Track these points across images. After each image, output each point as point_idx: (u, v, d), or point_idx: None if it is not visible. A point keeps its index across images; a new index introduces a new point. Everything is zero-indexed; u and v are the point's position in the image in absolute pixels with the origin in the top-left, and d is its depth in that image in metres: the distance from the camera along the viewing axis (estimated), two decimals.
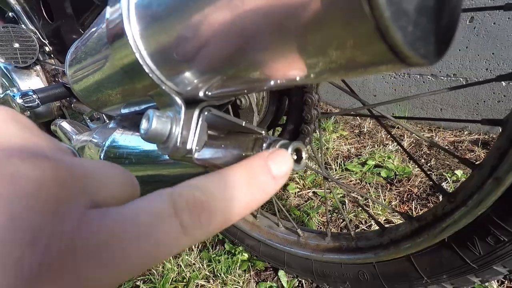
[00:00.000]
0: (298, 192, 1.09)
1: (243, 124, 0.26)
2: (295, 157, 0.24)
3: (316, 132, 0.47)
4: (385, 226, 0.56)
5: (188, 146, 0.22)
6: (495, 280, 0.66)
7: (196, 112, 0.23)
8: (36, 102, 0.79)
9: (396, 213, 0.93)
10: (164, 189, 0.15)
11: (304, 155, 0.24)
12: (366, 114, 0.51)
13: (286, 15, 0.12)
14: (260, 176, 0.17)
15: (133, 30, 0.20)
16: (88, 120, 0.76)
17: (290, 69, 0.15)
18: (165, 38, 0.19)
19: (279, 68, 0.16)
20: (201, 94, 0.23)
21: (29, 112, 0.80)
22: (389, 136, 1.46)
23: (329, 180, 0.63)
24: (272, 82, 0.18)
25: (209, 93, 0.23)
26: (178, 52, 0.19)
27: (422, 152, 1.29)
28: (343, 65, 0.13)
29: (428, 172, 1.14)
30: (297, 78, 0.16)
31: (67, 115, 1.12)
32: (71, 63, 0.37)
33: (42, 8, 0.94)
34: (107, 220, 0.12)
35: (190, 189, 0.15)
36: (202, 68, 0.20)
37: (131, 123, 0.46)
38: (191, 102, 0.23)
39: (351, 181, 1.15)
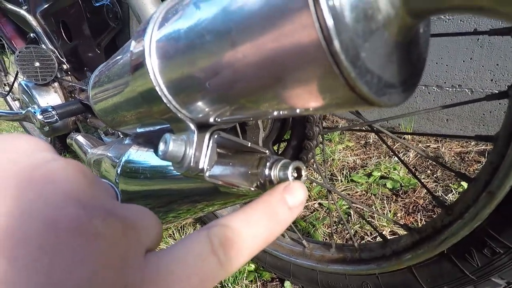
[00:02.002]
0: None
1: (249, 145, 0.29)
2: (295, 174, 0.27)
3: (319, 147, 0.50)
4: (388, 238, 0.58)
5: (200, 166, 0.25)
6: None
7: (207, 136, 0.26)
8: (55, 118, 0.84)
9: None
10: (201, 230, 0.17)
11: (303, 173, 0.27)
12: (367, 130, 0.53)
13: (278, 68, 0.15)
14: (279, 210, 0.20)
15: (153, 64, 0.24)
16: (103, 135, 0.81)
17: (286, 105, 0.18)
18: (180, 73, 0.22)
19: (278, 104, 0.19)
20: (211, 120, 0.26)
21: (48, 127, 0.85)
22: (394, 147, 1.47)
23: (333, 192, 0.65)
24: (275, 114, 0.21)
25: (219, 119, 0.26)
26: (192, 86, 0.22)
27: (428, 163, 1.30)
28: (327, 105, 0.16)
29: (434, 183, 1.14)
30: (293, 112, 0.19)
31: (81, 129, 1.18)
32: (94, 85, 0.41)
33: (62, 30, 1.00)
34: (163, 264, 0.15)
35: (221, 229, 0.17)
36: (213, 99, 0.23)
37: (145, 140, 0.49)
38: (202, 126, 0.26)
39: (356, 192, 1.16)
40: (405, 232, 0.54)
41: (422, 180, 1.16)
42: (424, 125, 1.61)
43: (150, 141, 0.48)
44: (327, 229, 0.96)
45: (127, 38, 0.78)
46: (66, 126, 1.11)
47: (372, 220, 0.96)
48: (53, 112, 0.85)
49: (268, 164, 0.28)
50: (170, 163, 0.36)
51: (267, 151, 0.30)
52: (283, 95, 0.17)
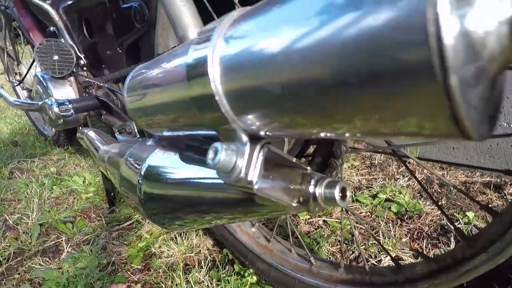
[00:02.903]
0: (308, 219, 1.10)
1: (293, 160, 0.29)
2: (341, 194, 0.27)
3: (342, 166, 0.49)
4: (400, 263, 0.57)
5: (249, 178, 0.25)
6: None
7: (258, 148, 0.26)
8: (71, 112, 0.84)
9: (407, 251, 0.93)
10: None
11: (348, 193, 0.27)
12: (391, 153, 0.53)
13: (379, 97, 0.15)
14: None
15: (215, 73, 0.24)
16: (117, 133, 0.80)
17: (370, 130, 0.18)
18: (247, 85, 0.22)
19: (361, 129, 0.18)
20: (262, 133, 0.26)
21: (62, 120, 0.84)
22: (400, 170, 1.47)
23: (350, 212, 0.64)
24: (346, 135, 0.21)
25: (269, 133, 0.26)
26: (258, 99, 0.22)
27: (433, 190, 1.30)
28: (415, 134, 0.16)
29: (439, 212, 1.14)
30: (366, 136, 0.19)
31: (90, 124, 1.17)
32: (132, 85, 0.41)
33: (84, 26, 1.01)
34: None
35: None
36: (271, 115, 0.23)
37: (170, 143, 0.49)
38: (253, 138, 0.26)
39: (361, 212, 1.15)
40: (411, 259, 0.53)
41: (427, 207, 1.16)
42: (429, 151, 1.62)
43: (175, 145, 0.47)
44: (331, 247, 0.95)
45: (151, 40, 0.78)
46: (77, 121, 1.10)
47: (376, 243, 0.95)
48: (69, 106, 0.84)
49: (313, 181, 0.28)
50: (199, 170, 0.36)
51: (308, 168, 0.30)
52: (374, 122, 0.16)
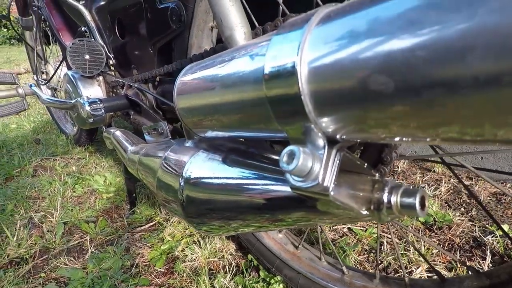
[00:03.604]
0: (332, 226, 1.07)
1: (365, 166, 0.27)
2: (421, 201, 0.25)
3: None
4: (445, 276, 0.54)
5: (326, 183, 0.24)
6: None
7: (335, 151, 0.24)
8: (102, 111, 0.84)
9: (439, 262, 0.89)
10: None
11: (427, 203, 0.25)
12: (443, 162, 0.51)
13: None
14: None
15: (302, 73, 0.22)
16: (146, 133, 0.80)
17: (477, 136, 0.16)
18: (333, 87, 0.21)
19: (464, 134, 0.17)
20: (338, 136, 0.24)
21: (92, 119, 0.85)
22: (424, 179, 1.42)
23: (392, 223, 0.62)
24: (430, 140, 0.19)
25: (345, 137, 0.24)
26: (340, 101, 0.21)
27: (461, 200, 1.25)
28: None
29: (470, 223, 1.09)
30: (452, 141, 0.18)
31: (113, 125, 1.19)
32: (186, 83, 0.40)
33: (116, 27, 1.02)
34: None
35: None
36: (354, 118, 0.21)
37: (211, 145, 0.48)
38: (329, 141, 0.25)
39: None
40: (444, 271, 0.50)
41: (457, 218, 1.12)
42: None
43: (217, 148, 0.46)
44: (358, 256, 0.92)
45: (184, 40, 0.78)
46: (103, 120, 1.12)
47: (407, 253, 0.92)
48: (101, 105, 0.85)
49: (387, 188, 0.26)
50: (249, 174, 0.35)
51: (377, 175, 0.28)
52: (478, 128, 0.15)
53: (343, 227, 1.07)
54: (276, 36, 0.25)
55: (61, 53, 1.58)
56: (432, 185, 1.36)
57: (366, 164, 0.27)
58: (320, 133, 0.24)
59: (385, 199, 0.26)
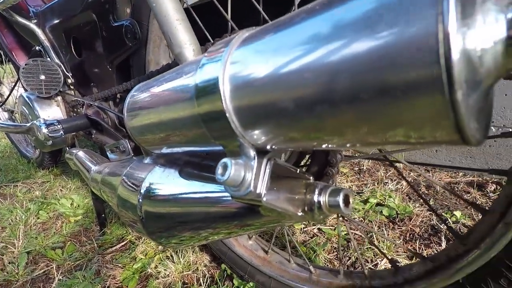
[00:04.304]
0: (303, 228, 1.11)
1: (297, 171, 0.30)
2: (344, 201, 0.28)
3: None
4: (398, 265, 0.59)
5: (258, 191, 0.26)
6: None
7: (265, 161, 0.27)
8: (60, 132, 0.82)
9: (402, 252, 0.95)
10: None
11: (351, 200, 0.29)
12: (384, 159, 0.56)
13: (390, 110, 0.16)
14: None
15: (225, 90, 0.25)
16: (109, 151, 0.79)
17: (379, 140, 0.19)
18: (253, 103, 0.23)
19: (369, 140, 0.20)
20: (268, 147, 0.27)
21: (51, 141, 0.83)
22: (388, 175, 1.51)
23: (347, 219, 0.66)
24: (348, 146, 0.22)
25: (275, 147, 0.27)
26: (262, 115, 0.24)
27: (420, 192, 1.34)
28: (419, 143, 0.17)
29: (428, 212, 1.17)
30: (371, 146, 0.21)
31: (77, 144, 1.15)
32: (133, 104, 0.42)
33: (72, 45, 1.01)
34: None
35: None
36: (278, 130, 0.24)
37: (168, 160, 0.49)
38: (259, 152, 0.27)
39: (354, 218, 1.17)
40: (407, 260, 0.55)
41: (417, 209, 1.20)
42: (414, 155, 1.67)
43: (173, 162, 0.48)
44: (327, 255, 0.96)
45: (142, 58, 0.79)
46: (65, 141, 1.08)
47: (372, 247, 0.97)
48: (59, 126, 0.83)
49: (317, 190, 0.29)
50: (200, 188, 0.37)
51: (311, 178, 0.31)
52: (385, 133, 0.18)
53: (313, 228, 1.11)
54: (204, 58, 0.28)
55: (16, 73, 1.51)
56: (395, 180, 1.45)
57: (298, 169, 0.30)
58: (249, 145, 0.26)
59: (315, 200, 0.29)
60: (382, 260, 0.92)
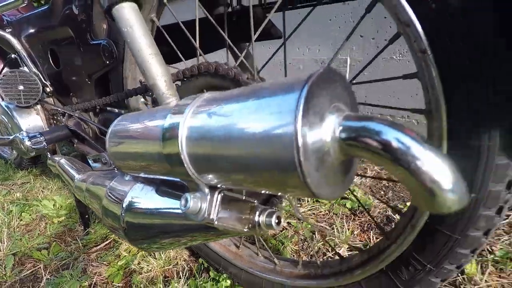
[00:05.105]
0: None
1: (243, 198, 0.40)
2: (277, 221, 0.38)
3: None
4: (343, 256, 0.71)
5: (211, 216, 0.36)
6: None
7: (216, 194, 0.36)
8: (43, 144, 0.88)
9: (357, 241, 1.09)
10: None
11: (282, 220, 0.39)
12: None
13: (258, 168, 0.26)
14: None
15: (182, 140, 0.34)
16: (91, 161, 0.86)
17: (262, 189, 0.29)
18: (203, 152, 0.32)
19: (256, 187, 0.30)
20: (218, 185, 0.36)
21: (34, 152, 0.88)
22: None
23: (302, 220, 0.77)
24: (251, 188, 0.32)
25: (222, 186, 0.37)
26: (207, 162, 0.33)
27: (382, 185, 1.49)
28: (283, 192, 0.27)
29: (385, 205, 1.32)
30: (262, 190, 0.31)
31: (59, 151, 1.20)
32: (114, 134, 0.49)
33: (49, 56, 1.04)
34: None
35: None
36: (219, 175, 0.34)
37: (145, 179, 0.57)
38: (211, 187, 0.37)
39: (320, 211, 1.30)
40: (356, 253, 0.67)
41: (376, 201, 1.34)
42: None
43: (151, 181, 0.56)
44: (294, 246, 1.08)
45: (120, 74, 0.85)
46: (45, 148, 1.13)
47: (333, 238, 1.10)
48: (41, 138, 0.89)
49: (257, 212, 0.39)
50: (174, 204, 0.46)
51: (255, 201, 0.41)
52: (265, 185, 0.28)
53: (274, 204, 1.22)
54: (172, 109, 0.36)
55: None
56: (359, 174, 1.59)
57: (244, 196, 0.40)
58: (202, 184, 0.36)
59: (256, 219, 0.39)
60: (340, 248, 1.05)
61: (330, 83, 0.25)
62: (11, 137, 0.91)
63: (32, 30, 1.05)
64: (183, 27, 0.72)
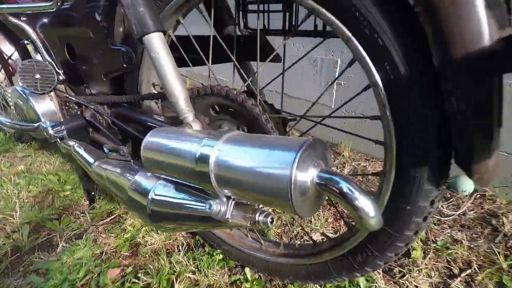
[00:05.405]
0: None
1: (248, 203, 0.56)
2: (271, 220, 0.55)
3: None
4: (315, 241, 0.90)
5: (227, 216, 0.52)
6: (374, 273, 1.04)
7: (230, 201, 0.52)
8: (63, 133, 1.00)
9: (330, 228, 1.30)
10: None
11: (274, 221, 0.56)
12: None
13: (267, 196, 0.42)
14: None
15: (212, 164, 0.49)
16: (107, 150, 0.99)
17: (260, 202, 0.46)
18: (225, 175, 0.48)
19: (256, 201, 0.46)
20: (232, 196, 0.52)
21: (54, 139, 1.00)
22: (335, 163, 1.85)
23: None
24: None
25: (235, 197, 0.53)
26: (228, 183, 0.48)
27: (356, 179, 1.69)
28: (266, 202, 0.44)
29: None
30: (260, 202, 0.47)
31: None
32: (151, 144, 0.63)
33: (65, 49, 1.13)
34: None
35: None
36: (236, 193, 0.49)
37: (166, 179, 0.72)
38: (227, 196, 0.53)
39: None
40: (325, 240, 0.86)
41: None
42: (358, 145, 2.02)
43: (172, 181, 0.71)
44: (277, 229, 1.28)
45: (135, 77, 0.97)
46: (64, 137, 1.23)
47: (310, 225, 1.30)
48: (62, 128, 1.00)
49: (257, 213, 0.56)
50: (193, 201, 0.62)
51: (256, 206, 0.58)
52: (265, 203, 0.44)
53: (268, 208, 1.41)
54: (205, 139, 0.51)
55: None
56: (339, 167, 1.79)
57: (249, 202, 0.56)
58: (221, 194, 0.51)
59: (256, 218, 0.55)
60: (316, 233, 1.25)
61: (314, 148, 0.41)
62: (35, 125, 1.01)
63: (49, 23, 1.12)
64: (194, 43, 0.84)
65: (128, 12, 0.66)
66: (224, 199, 0.52)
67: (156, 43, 0.68)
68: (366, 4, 0.50)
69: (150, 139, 0.64)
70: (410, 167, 0.58)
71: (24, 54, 1.51)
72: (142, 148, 0.65)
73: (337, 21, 0.54)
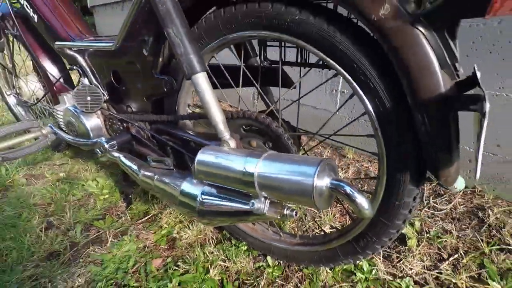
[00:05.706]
0: None
1: (277, 201, 0.77)
2: (295, 213, 0.76)
3: None
4: (326, 232, 1.10)
5: (264, 211, 0.73)
6: (374, 256, 1.24)
7: (267, 201, 0.73)
8: (115, 147, 1.21)
9: (337, 223, 1.50)
10: None
11: (297, 213, 0.77)
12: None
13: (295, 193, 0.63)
14: None
15: (256, 175, 0.70)
16: (151, 160, 1.20)
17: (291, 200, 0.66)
18: (265, 183, 0.68)
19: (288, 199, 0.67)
20: (268, 196, 0.73)
21: (109, 155, 1.21)
22: (340, 164, 2.04)
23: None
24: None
25: (269, 197, 0.73)
26: (267, 188, 0.69)
27: (358, 181, 1.89)
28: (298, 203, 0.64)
29: None
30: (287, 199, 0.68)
31: None
32: (203, 159, 0.84)
33: (111, 75, 1.34)
34: None
35: None
36: (272, 195, 0.70)
37: (211, 184, 0.93)
38: (265, 197, 0.73)
39: None
40: (334, 230, 1.06)
41: None
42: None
43: (217, 186, 0.92)
44: (292, 224, 1.48)
45: (174, 100, 1.17)
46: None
47: (320, 219, 1.50)
48: (115, 143, 1.22)
49: (285, 208, 0.77)
50: (237, 201, 0.83)
51: (283, 203, 0.79)
52: (294, 201, 0.65)
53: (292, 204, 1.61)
54: (250, 156, 0.72)
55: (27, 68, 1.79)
56: (344, 169, 1.98)
57: (278, 201, 0.76)
58: (261, 195, 0.72)
59: (284, 212, 0.76)
60: (325, 227, 1.45)
61: (328, 164, 0.61)
62: (94, 141, 1.22)
63: (97, 54, 1.33)
64: (225, 72, 1.04)
65: (181, 59, 0.86)
66: (263, 199, 0.72)
67: (201, 81, 0.88)
68: (363, 62, 0.70)
69: (202, 156, 0.85)
70: (397, 173, 0.78)
71: (67, 78, 1.74)
72: (196, 162, 0.86)
73: (341, 69, 0.74)
